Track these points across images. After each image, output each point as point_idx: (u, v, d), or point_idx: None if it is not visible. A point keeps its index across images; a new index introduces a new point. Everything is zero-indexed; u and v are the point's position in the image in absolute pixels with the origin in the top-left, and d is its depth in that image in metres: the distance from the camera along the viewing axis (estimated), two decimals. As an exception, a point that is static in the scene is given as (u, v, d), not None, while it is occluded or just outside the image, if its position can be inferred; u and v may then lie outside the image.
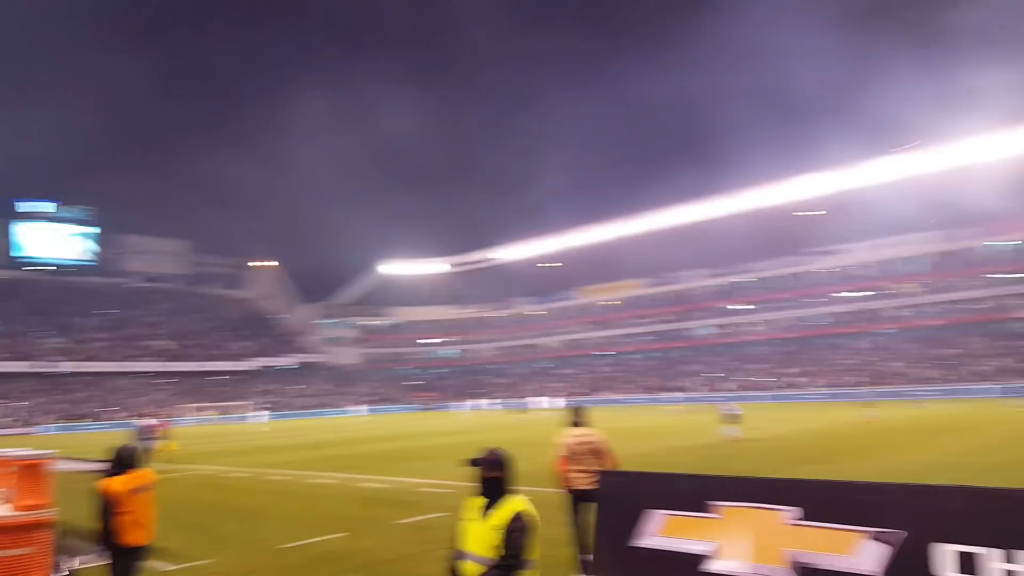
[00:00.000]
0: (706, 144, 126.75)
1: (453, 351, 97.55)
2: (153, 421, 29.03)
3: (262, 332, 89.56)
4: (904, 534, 4.03)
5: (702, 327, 78.61)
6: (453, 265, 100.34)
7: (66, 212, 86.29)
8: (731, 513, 4.89)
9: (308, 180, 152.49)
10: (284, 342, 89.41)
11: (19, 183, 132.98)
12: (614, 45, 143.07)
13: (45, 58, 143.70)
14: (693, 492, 5.28)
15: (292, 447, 28.43)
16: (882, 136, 61.05)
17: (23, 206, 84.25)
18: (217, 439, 35.46)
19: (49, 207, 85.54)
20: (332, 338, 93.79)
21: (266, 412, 54.14)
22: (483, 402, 67.12)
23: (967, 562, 3.77)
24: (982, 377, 51.70)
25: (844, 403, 46.46)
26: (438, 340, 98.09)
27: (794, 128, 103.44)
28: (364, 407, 64.05)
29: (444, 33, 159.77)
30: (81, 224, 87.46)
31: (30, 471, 6.98)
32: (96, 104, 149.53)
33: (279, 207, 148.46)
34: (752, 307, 75.80)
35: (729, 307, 77.66)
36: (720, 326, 77.54)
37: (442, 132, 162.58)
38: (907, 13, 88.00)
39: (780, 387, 61.76)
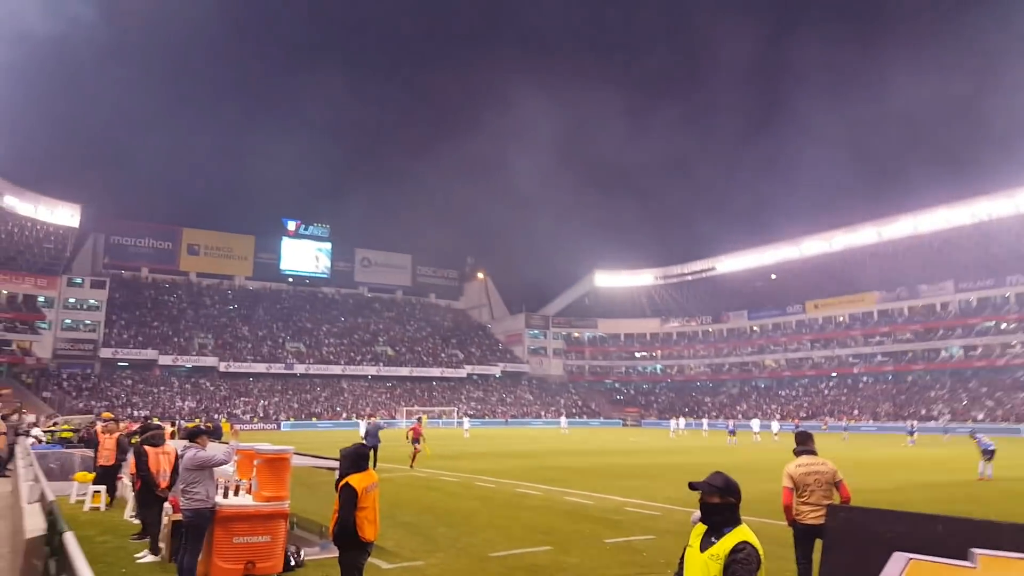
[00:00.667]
0: (968, 150, 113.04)
1: (660, 365, 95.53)
2: (410, 422, 31.18)
3: (472, 341, 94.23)
4: None
5: (948, 347, 69.15)
6: (663, 277, 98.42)
7: (312, 230, 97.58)
8: (994, 564, 4.19)
9: (524, 194, 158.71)
10: (491, 351, 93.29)
11: (278, 204, 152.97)
12: (871, 50, 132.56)
13: (297, 96, 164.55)
14: (948, 536, 4.73)
15: (497, 455, 29.20)
16: None
17: (288, 225, 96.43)
18: (427, 443, 37.47)
19: (301, 226, 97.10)
20: (537, 348, 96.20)
21: (468, 418, 56.78)
22: (692, 421, 64.67)
23: None
24: None
25: None
26: (644, 354, 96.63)
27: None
28: (565, 419, 64.56)
29: (672, 43, 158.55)
30: (322, 240, 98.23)
31: (271, 464, 7.59)
32: (340, 134, 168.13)
33: (494, 221, 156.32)
34: (1012, 326, 65.28)
35: (983, 325, 67.63)
36: (970, 347, 67.46)
37: (666, 143, 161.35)
38: None
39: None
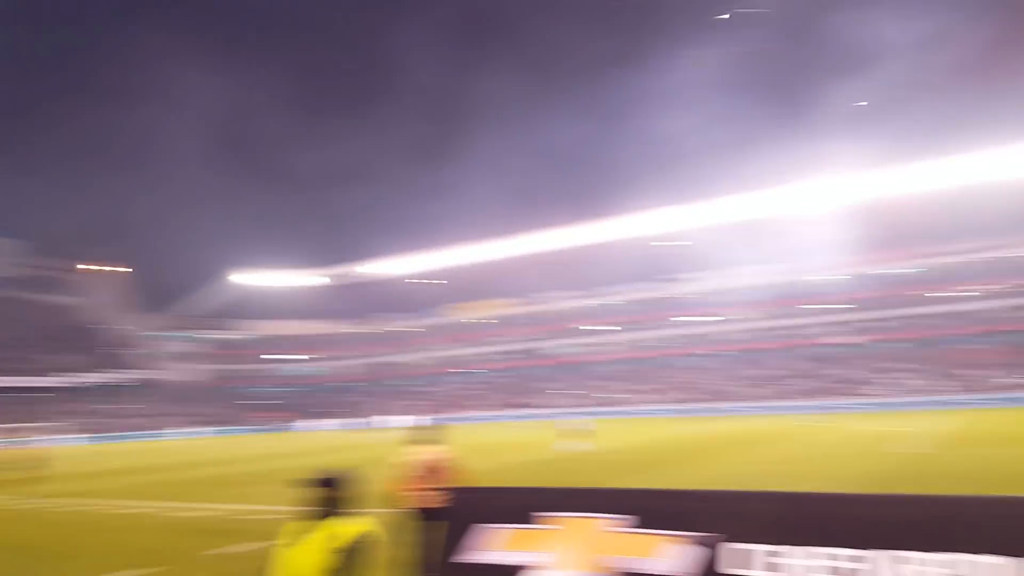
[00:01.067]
0: (596, 183, 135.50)
1: (314, 368, 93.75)
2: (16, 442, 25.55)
3: (95, 344, 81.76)
4: (723, 536, 4.24)
5: (566, 346, 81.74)
6: (322, 277, 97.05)
7: None
8: (556, 523, 4.90)
9: (172, 182, 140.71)
10: (121, 356, 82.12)
11: None
12: (536, 95, 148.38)
13: None
14: (522, 505, 5.24)
15: (112, 473, 26.00)
16: (747, 179, 68.51)
17: None
18: (24, 465, 31.63)
19: None
20: (179, 352, 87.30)
21: (87, 434, 49.18)
22: (338, 422, 64.95)
23: (774, 560, 4.07)
24: (805, 395, 58.43)
25: (691, 418, 51.42)
26: (299, 356, 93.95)
27: (676, 171, 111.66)
28: (210, 428, 59.80)
29: (363, 54, 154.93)
30: None
31: None
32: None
33: (133, 209, 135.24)
34: (613, 328, 79.92)
35: (592, 328, 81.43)
36: (583, 345, 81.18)
37: (324, 138, 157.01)
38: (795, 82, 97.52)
39: (634, 403, 64.71)
